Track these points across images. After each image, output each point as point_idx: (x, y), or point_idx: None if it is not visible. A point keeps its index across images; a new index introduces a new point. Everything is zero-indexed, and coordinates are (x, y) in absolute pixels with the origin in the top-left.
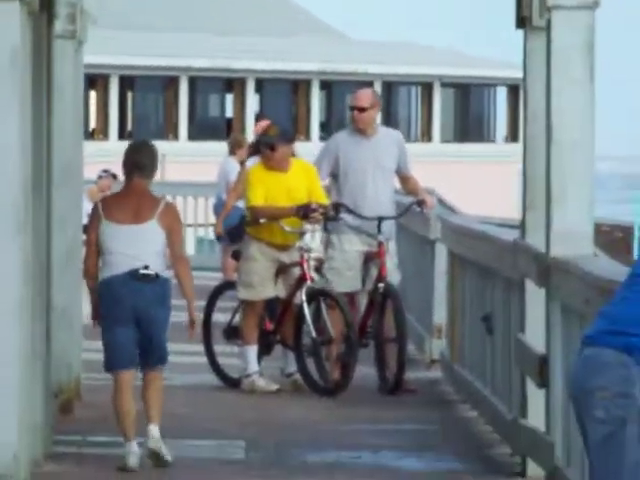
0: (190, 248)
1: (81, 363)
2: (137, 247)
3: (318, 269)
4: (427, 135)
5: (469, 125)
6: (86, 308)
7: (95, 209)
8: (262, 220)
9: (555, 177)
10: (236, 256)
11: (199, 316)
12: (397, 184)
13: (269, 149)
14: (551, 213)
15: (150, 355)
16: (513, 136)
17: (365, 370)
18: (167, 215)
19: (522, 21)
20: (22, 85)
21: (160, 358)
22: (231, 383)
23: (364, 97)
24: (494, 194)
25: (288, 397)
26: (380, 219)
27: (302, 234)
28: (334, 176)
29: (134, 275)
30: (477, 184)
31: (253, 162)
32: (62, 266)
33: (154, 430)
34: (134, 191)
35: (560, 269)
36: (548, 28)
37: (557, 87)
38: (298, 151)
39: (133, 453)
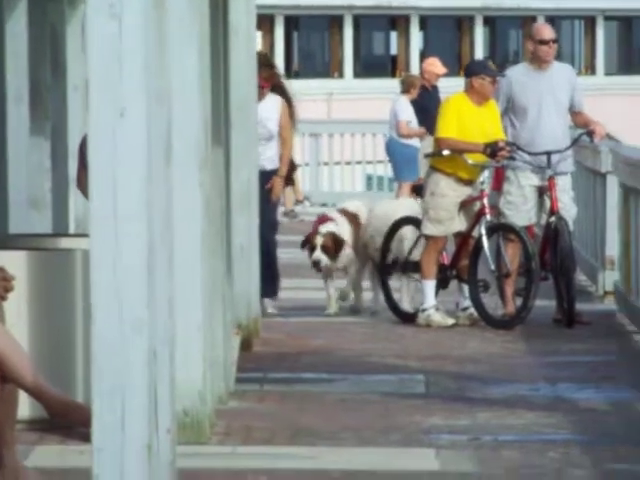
0: (359, 185)
1: (259, 301)
2: None
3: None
4: (591, 68)
5: (632, 57)
6: None
7: None
8: (445, 152)
9: None
10: (417, 191)
11: None
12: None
13: (489, 81)
14: None
15: None
16: None
17: (539, 303)
18: None
19: None
20: (201, 25)
21: None
22: (406, 318)
23: (550, 30)
24: None
25: (465, 331)
26: (548, 153)
27: (483, 168)
28: (506, 113)
29: None
30: None
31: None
32: (239, 207)
33: None
34: None
35: None
36: None
37: None
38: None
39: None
